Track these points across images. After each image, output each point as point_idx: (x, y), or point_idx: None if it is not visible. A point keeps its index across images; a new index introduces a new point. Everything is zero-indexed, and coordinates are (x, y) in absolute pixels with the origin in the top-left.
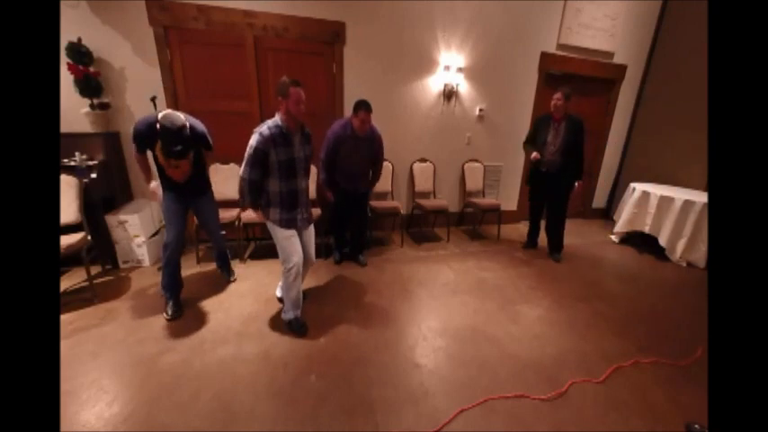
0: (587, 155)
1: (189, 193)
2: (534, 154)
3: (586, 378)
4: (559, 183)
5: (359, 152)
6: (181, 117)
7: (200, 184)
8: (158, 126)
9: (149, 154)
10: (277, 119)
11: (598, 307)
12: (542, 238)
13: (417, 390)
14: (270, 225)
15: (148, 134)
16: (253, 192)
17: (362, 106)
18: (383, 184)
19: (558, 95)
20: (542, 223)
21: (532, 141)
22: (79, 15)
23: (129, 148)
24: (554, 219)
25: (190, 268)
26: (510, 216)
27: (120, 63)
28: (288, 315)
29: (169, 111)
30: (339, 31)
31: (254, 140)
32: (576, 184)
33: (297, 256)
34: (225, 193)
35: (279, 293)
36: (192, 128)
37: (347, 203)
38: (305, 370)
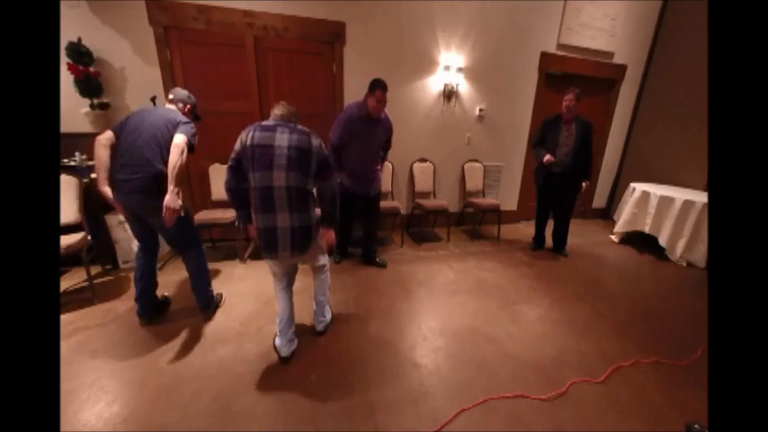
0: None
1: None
2: (547, 156)
3: (586, 378)
4: (570, 183)
5: (371, 138)
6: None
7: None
8: None
9: None
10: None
11: (598, 307)
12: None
13: (417, 390)
14: None
15: None
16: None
17: (379, 85)
18: (383, 184)
19: (569, 96)
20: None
21: (541, 143)
22: (79, 15)
23: None
24: (561, 218)
25: None
26: (510, 216)
27: (120, 63)
28: (326, 319)
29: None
30: (339, 31)
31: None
32: (584, 184)
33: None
34: (224, 194)
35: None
36: None
37: (358, 207)
38: (305, 370)
